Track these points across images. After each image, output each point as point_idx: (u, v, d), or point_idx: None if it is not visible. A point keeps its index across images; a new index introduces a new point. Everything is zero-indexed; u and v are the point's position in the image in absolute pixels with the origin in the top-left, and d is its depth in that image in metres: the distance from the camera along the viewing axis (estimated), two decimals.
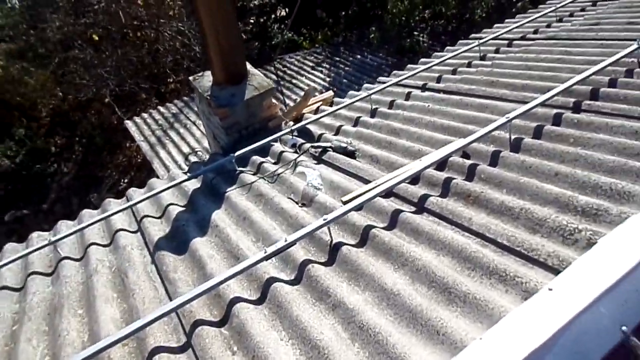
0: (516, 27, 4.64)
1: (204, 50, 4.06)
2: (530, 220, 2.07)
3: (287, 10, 16.19)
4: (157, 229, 2.99)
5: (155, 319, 1.98)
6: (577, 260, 1.53)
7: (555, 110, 2.86)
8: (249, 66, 4.00)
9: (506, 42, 4.46)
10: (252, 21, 16.27)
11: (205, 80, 3.97)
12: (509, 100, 3.28)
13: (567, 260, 1.77)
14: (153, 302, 2.29)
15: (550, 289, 1.44)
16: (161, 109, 9.97)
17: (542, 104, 2.88)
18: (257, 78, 3.93)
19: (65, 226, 3.38)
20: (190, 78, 4.09)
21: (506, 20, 5.22)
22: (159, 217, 3.20)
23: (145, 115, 9.86)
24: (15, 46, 16.87)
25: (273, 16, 16.32)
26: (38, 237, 3.28)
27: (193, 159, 7.88)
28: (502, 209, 2.20)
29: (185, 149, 8.39)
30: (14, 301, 2.71)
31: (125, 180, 12.70)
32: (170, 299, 2.31)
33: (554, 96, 2.81)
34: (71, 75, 12.65)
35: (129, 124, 9.36)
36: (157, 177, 7.28)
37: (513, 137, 2.76)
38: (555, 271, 1.76)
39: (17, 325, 2.46)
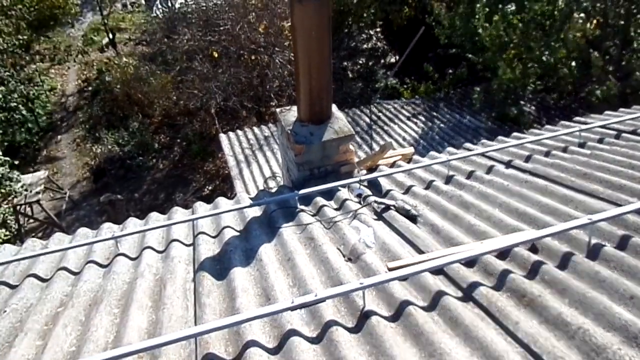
0: (629, 119, 4.24)
1: (294, 86, 4.21)
2: (587, 344, 1.80)
3: (397, 57, 16.47)
4: (208, 248, 3.08)
5: (173, 340, 2.01)
6: None
7: None
8: (334, 109, 4.06)
9: (614, 132, 4.08)
10: (361, 62, 16.77)
11: (291, 114, 4.10)
12: (599, 198, 2.96)
13: None
14: (178, 322, 2.33)
15: None
16: (255, 129, 10.49)
17: (637, 212, 2.57)
18: (340, 122, 3.98)
19: (132, 224, 3.61)
20: (277, 110, 4.25)
21: (620, 109, 4.80)
22: (214, 237, 3.30)
23: (240, 132, 10.43)
24: (149, 50, 18.98)
25: (382, 61, 16.69)
26: (107, 229, 3.54)
27: (271, 183, 8.13)
28: (558, 322, 1.95)
29: (267, 172, 8.70)
30: (68, 284, 2.91)
31: (210, 188, 13.45)
32: (196, 323, 2.33)
33: None
34: (187, 83, 13.84)
35: (222, 137, 9.95)
36: (235, 192, 7.59)
37: (593, 241, 2.47)
38: None
39: (62, 308, 2.63)
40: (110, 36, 21.98)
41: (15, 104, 15.94)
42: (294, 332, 2.09)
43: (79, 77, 20.71)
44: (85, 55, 21.61)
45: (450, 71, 12.31)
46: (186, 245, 3.21)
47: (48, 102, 18.79)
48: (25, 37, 17.80)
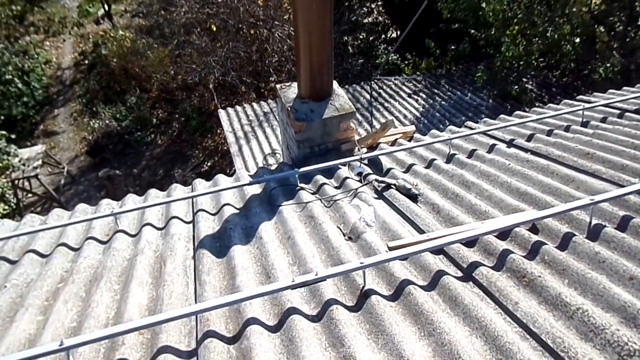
0: (633, 98, 4.19)
1: (294, 62, 4.13)
2: (586, 324, 1.81)
3: (398, 32, 16.20)
4: (208, 226, 3.07)
5: (174, 317, 2.02)
6: None
7: None
8: (335, 86, 4.00)
9: (617, 111, 4.04)
10: (361, 37, 16.49)
11: (291, 91, 4.04)
12: (601, 179, 2.95)
13: None
14: (179, 299, 2.34)
15: None
16: (255, 105, 10.39)
17: (639, 193, 2.56)
18: (341, 99, 3.92)
19: (132, 200, 3.59)
20: (277, 86, 4.18)
21: (624, 88, 4.74)
22: (214, 214, 3.28)
23: (239, 108, 10.33)
24: (146, 23, 18.63)
25: (383, 36, 16.41)
26: (107, 205, 3.52)
27: (271, 160, 8.09)
28: (557, 302, 1.96)
29: (267, 149, 8.65)
30: (68, 260, 2.91)
31: (209, 164, 13.41)
32: (196, 301, 2.34)
33: None
34: (185, 57, 13.64)
35: (222, 112, 9.86)
36: (235, 168, 7.56)
37: (594, 222, 2.47)
38: None
39: (63, 284, 2.64)
40: (106, 7, 21.53)
41: (10, 76, 15.73)
42: (294, 310, 2.10)
43: (75, 50, 20.38)
44: (81, 27, 21.23)
45: (453, 47, 12.13)
46: (186, 222, 3.20)
47: (44, 75, 18.55)
48: (19, 7, 17.43)
